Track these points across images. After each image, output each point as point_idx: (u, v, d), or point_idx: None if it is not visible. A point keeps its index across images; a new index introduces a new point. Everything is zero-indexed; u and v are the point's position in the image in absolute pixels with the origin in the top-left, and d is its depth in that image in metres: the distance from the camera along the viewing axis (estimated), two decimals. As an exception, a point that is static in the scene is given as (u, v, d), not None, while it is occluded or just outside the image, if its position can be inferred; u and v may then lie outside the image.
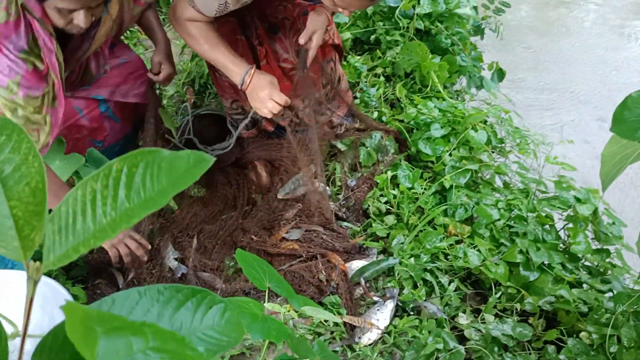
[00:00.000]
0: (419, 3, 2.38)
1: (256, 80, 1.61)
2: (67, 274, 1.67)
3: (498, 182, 2.06)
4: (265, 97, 1.61)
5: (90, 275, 1.66)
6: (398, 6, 2.39)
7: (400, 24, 2.35)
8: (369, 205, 1.94)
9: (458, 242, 1.78)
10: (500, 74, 2.67)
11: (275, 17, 1.83)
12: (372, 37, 2.50)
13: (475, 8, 2.64)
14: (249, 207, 1.98)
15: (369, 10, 2.53)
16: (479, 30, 2.68)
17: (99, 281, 1.62)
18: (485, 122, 2.11)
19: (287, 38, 1.87)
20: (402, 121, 2.20)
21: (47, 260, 0.37)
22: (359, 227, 1.91)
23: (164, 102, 2.29)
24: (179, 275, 1.63)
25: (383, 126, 2.12)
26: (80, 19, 1.32)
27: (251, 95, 1.64)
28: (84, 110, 1.69)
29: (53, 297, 1.37)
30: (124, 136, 1.90)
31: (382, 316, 1.61)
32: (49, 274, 1.49)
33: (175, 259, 1.63)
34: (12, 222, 0.38)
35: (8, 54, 1.30)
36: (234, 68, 1.61)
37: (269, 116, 1.65)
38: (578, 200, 1.79)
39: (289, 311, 1.21)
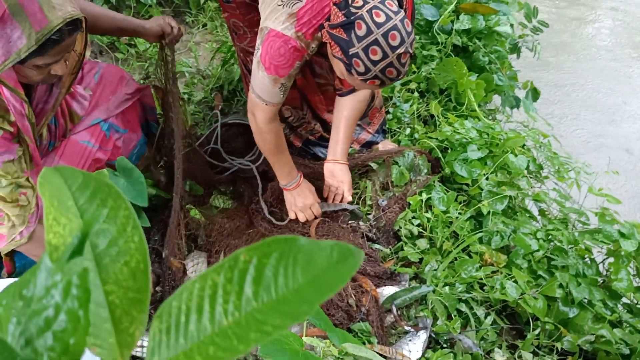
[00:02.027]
0: (458, 18, 2.31)
1: (300, 188, 1.83)
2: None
3: (533, 210, 1.99)
4: (305, 204, 1.83)
5: None
6: (436, 20, 2.32)
7: (439, 39, 2.28)
8: (400, 227, 1.87)
9: (494, 272, 1.71)
10: (534, 94, 2.59)
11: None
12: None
13: (511, 26, 2.57)
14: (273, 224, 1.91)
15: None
16: (515, 49, 2.61)
17: None
18: (522, 145, 2.04)
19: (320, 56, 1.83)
20: (435, 139, 2.13)
21: (152, 365, 0.30)
22: (389, 249, 1.84)
23: (192, 107, 2.24)
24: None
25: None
26: (58, 69, 1.30)
27: (292, 196, 1.84)
28: (91, 140, 1.64)
29: None
30: (136, 143, 1.84)
31: (414, 347, 1.53)
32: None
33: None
34: (107, 312, 0.31)
35: None
36: (288, 174, 1.80)
37: (299, 219, 1.87)
38: (622, 235, 1.71)
39: (328, 347, 1.14)
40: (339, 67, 1.44)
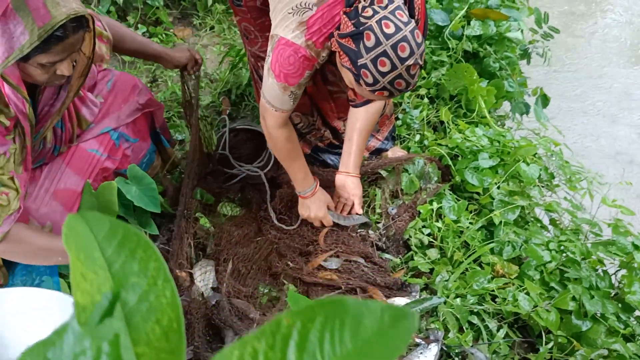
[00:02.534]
0: (468, 24, 2.28)
1: (315, 197, 1.81)
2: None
3: (544, 219, 1.96)
4: (317, 216, 1.82)
5: None
6: (447, 25, 2.29)
7: (449, 45, 2.25)
8: (410, 236, 1.85)
9: (506, 284, 1.68)
10: (544, 101, 2.57)
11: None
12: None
13: (521, 32, 2.54)
14: (282, 231, 1.89)
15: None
16: (525, 55, 2.58)
17: None
18: (534, 154, 2.01)
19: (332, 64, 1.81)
20: (445, 146, 2.10)
21: None
22: (399, 259, 1.81)
23: (200, 112, 2.21)
24: (213, 303, 1.54)
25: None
26: (64, 69, 1.28)
27: (304, 204, 1.83)
28: (100, 148, 1.62)
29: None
30: (146, 152, 1.82)
31: (425, 360, 1.51)
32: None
33: (213, 288, 1.55)
34: (139, 376, 0.29)
35: None
36: (303, 181, 1.78)
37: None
38: (636, 247, 1.69)
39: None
40: (347, 77, 1.41)
